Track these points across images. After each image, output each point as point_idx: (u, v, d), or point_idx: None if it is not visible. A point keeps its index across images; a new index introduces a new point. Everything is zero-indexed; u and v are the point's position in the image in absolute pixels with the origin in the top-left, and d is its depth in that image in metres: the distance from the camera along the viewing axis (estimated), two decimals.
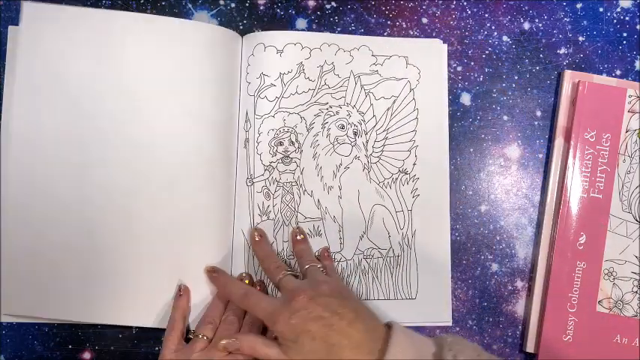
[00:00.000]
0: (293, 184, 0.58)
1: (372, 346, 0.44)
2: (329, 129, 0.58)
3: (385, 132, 0.59)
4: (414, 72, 0.59)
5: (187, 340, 0.53)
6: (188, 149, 0.56)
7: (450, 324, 0.57)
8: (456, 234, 0.59)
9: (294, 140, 0.58)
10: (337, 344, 0.44)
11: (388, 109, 0.59)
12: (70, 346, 0.56)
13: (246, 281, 0.56)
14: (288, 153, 0.58)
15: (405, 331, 0.46)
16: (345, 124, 0.58)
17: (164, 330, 0.54)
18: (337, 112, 0.58)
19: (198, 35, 0.56)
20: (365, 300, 0.57)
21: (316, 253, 0.57)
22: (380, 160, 0.58)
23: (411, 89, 0.59)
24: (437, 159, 0.59)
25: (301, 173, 0.58)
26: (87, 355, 0.56)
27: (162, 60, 0.56)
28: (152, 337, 0.56)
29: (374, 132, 0.59)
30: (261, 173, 0.57)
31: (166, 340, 0.52)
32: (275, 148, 0.58)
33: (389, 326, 0.47)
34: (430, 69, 0.59)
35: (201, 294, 0.55)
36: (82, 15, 0.55)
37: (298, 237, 0.56)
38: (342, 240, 0.57)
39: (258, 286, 0.56)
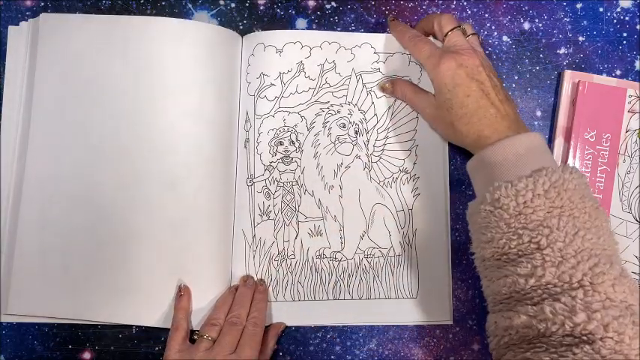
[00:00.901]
0: (293, 183, 0.58)
1: (506, 130, 0.48)
2: (330, 128, 0.58)
3: (386, 131, 0.59)
4: (416, 70, 0.59)
5: (192, 340, 0.54)
6: (188, 149, 0.56)
7: (451, 322, 0.57)
8: (456, 234, 0.59)
9: (294, 140, 0.58)
10: (484, 109, 0.49)
11: (389, 108, 0.59)
12: (70, 346, 0.56)
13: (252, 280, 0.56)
14: (289, 153, 0.58)
15: (541, 144, 0.47)
16: (346, 123, 0.58)
17: (165, 330, 0.55)
18: (338, 111, 0.58)
19: (198, 35, 0.56)
20: (366, 299, 0.57)
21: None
22: (381, 160, 0.58)
23: None
24: (437, 158, 0.59)
25: (302, 173, 0.58)
26: (87, 355, 0.56)
27: (163, 61, 0.56)
28: (152, 337, 0.56)
29: (375, 131, 0.58)
30: (261, 173, 0.57)
31: (170, 340, 0.52)
32: (275, 147, 0.58)
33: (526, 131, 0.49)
34: None
35: (203, 294, 0.55)
36: (87, 22, 0.56)
37: None
38: (342, 239, 0.57)
39: (260, 285, 0.56)
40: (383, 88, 0.58)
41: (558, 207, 0.43)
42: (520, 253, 0.43)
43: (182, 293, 0.54)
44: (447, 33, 0.53)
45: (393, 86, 0.57)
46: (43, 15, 0.56)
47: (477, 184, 0.50)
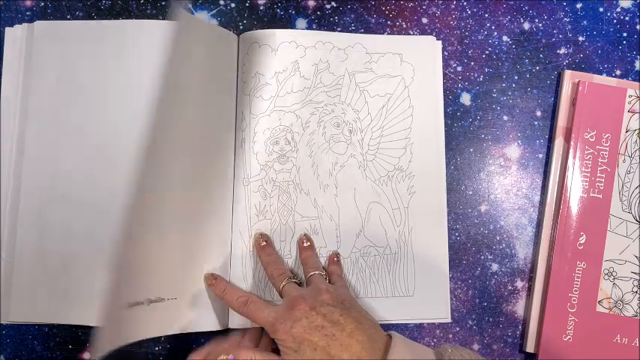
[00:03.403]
0: (289, 183, 0.58)
1: (372, 357, 0.45)
2: (325, 127, 0.58)
3: (380, 129, 0.59)
4: (409, 69, 0.59)
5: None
6: (185, 151, 0.56)
7: (449, 320, 0.57)
8: (456, 234, 0.59)
9: (290, 139, 0.58)
10: (337, 355, 0.45)
11: (383, 107, 0.59)
12: (70, 346, 0.56)
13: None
14: (284, 152, 0.58)
15: (405, 341, 0.46)
16: (340, 122, 0.58)
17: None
18: (332, 111, 0.58)
19: (193, 36, 0.56)
20: (362, 298, 0.57)
21: (328, 253, 0.57)
22: (375, 158, 0.58)
23: (406, 86, 0.59)
24: (433, 156, 0.59)
25: (297, 172, 0.58)
26: (87, 355, 0.56)
27: (158, 62, 0.56)
28: (152, 337, 0.56)
29: (369, 130, 0.59)
30: (257, 173, 0.57)
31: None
32: (271, 147, 0.58)
33: (390, 336, 0.47)
34: (424, 66, 0.59)
35: (202, 294, 0.55)
36: (84, 28, 0.57)
37: (305, 244, 0.56)
38: (338, 238, 0.57)
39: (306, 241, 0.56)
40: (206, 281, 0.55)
41: None
42: None
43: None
44: (281, 289, 0.52)
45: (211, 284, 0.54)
46: (37, 23, 0.57)
47: None
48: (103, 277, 0.54)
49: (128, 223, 0.55)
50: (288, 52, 0.58)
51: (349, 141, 0.58)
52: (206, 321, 0.55)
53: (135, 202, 0.55)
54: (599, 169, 0.58)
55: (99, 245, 0.55)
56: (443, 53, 0.60)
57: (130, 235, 0.53)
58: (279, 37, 0.58)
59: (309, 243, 0.56)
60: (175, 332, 0.54)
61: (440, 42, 0.60)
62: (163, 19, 0.59)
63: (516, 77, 0.60)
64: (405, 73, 0.59)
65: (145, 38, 0.56)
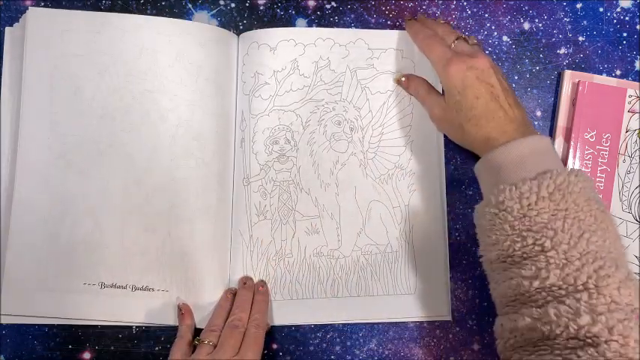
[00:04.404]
0: (290, 182, 0.57)
1: (513, 133, 0.48)
2: (325, 125, 0.58)
3: (381, 127, 0.58)
4: (409, 65, 0.59)
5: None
6: (185, 151, 0.56)
7: (449, 318, 0.57)
8: (456, 234, 0.59)
9: (289, 138, 0.58)
10: (493, 111, 0.49)
11: (384, 104, 0.58)
12: (70, 346, 0.56)
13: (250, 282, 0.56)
14: (284, 151, 0.58)
15: (546, 146, 0.47)
16: (341, 120, 0.58)
17: (165, 329, 0.55)
18: (333, 109, 0.58)
19: (193, 36, 0.56)
20: (364, 296, 0.57)
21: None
22: (376, 156, 0.58)
23: None
24: (433, 154, 0.58)
25: (298, 171, 0.58)
26: (87, 355, 0.56)
27: (158, 61, 0.56)
28: (152, 337, 0.56)
29: (370, 127, 0.58)
30: (257, 173, 0.57)
31: (174, 346, 0.52)
32: (271, 146, 0.58)
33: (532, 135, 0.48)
34: (426, 62, 0.58)
35: (202, 294, 0.55)
36: (82, 18, 0.56)
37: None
38: (339, 237, 0.57)
39: (261, 286, 0.56)
40: (398, 81, 0.58)
41: (563, 209, 0.43)
42: (524, 255, 0.43)
43: (183, 312, 0.54)
44: (454, 41, 0.53)
45: (407, 82, 0.58)
46: (31, 9, 0.55)
47: (483, 186, 0.50)
48: (94, 271, 0.55)
49: (123, 222, 0.55)
50: (287, 50, 0.58)
51: (350, 139, 0.58)
52: (198, 318, 0.55)
53: (130, 201, 0.56)
54: (599, 169, 0.58)
55: (95, 243, 0.55)
56: None
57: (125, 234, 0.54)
58: (277, 35, 0.58)
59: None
60: (165, 324, 0.55)
61: None
62: None
63: (516, 77, 0.60)
64: (406, 69, 0.59)
65: (144, 35, 0.56)
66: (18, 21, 0.57)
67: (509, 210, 0.44)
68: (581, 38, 0.61)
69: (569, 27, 0.61)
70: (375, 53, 0.59)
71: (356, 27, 0.60)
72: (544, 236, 0.42)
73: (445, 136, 0.58)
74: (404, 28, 0.59)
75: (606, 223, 0.44)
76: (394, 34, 0.59)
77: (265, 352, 0.56)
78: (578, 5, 0.61)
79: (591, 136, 0.58)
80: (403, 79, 0.58)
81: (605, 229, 0.43)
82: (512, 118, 0.49)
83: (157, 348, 0.56)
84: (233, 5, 0.60)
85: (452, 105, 0.51)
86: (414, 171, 0.58)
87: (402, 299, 0.57)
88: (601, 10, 0.61)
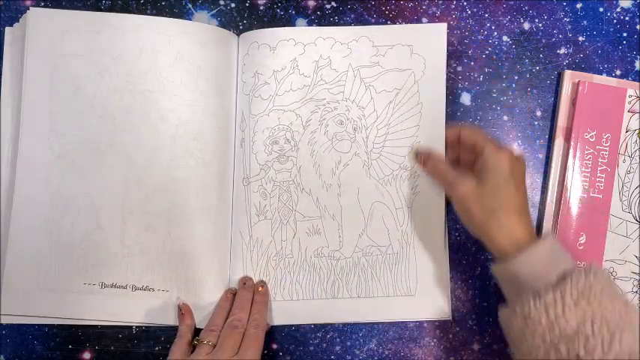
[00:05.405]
0: (290, 182, 0.57)
1: (528, 236, 0.48)
2: (327, 125, 0.57)
3: (386, 127, 0.57)
4: (420, 62, 0.58)
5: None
6: (185, 151, 0.56)
7: (450, 318, 0.57)
8: (456, 234, 0.59)
9: (289, 138, 0.57)
10: (525, 211, 0.50)
11: (390, 103, 0.57)
12: (70, 346, 0.56)
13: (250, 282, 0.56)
14: (284, 151, 0.57)
15: (556, 244, 0.48)
16: (344, 120, 0.58)
17: (165, 329, 0.55)
18: (335, 108, 0.57)
19: (193, 36, 0.56)
20: (364, 297, 0.57)
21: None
22: (380, 157, 0.58)
23: (416, 81, 0.57)
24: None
25: (298, 171, 0.57)
26: (87, 355, 0.56)
27: (158, 61, 0.56)
28: (152, 337, 0.56)
29: (374, 127, 0.57)
30: (257, 173, 0.57)
31: (174, 346, 0.53)
32: (270, 147, 0.57)
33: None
34: (436, 58, 0.57)
35: (202, 294, 0.55)
36: (82, 18, 0.56)
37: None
38: (341, 238, 0.57)
39: (261, 287, 0.56)
40: (415, 157, 0.57)
41: (590, 313, 0.43)
42: None
43: (183, 312, 0.55)
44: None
45: (424, 159, 0.56)
46: (31, 9, 0.55)
47: (504, 288, 0.50)
48: (95, 271, 0.55)
49: (123, 222, 0.55)
50: (287, 50, 0.58)
51: (353, 139, 0.58)
52: (198, 318, 0.55)
53: (130, 201, 0.56)
54: (599, 169, 0.58)
55: (95, 243, 0.55)
56: None
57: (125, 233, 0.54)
58: (277, 35, 0.58)
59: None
60: (165, 324, 0.55)
61: (445, 25, 0.59)
62: None
63: (516, 77, 0.60)
64: (416, 66, 0.57)
65: (144, 35, 0.56)
66: (18, 21, 0.57)
67: (536, 320, 0.44)
68: (581, 38, 0.61)
69: (569, 27, 0.61)
70: (381, 50, 0.58)
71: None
72: (578, 344, 0.42)
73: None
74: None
75: (630, 315, 0.44)
76: (402, 28, 0.58)
77: (265, 352, 0.56)
78: (578, 5, 0.61)
79: (591, 136, 0.58)
80: (419, 156, 0.57)
81: (631, 322, 0.43)
82: (528, 222, 0.49)
83: (157, 348, 0.56)
84: (233, 5, 0.60)
85: (490, 187, 0.49)
86: (418, 172, 0.57)
87: (402, 300, 0.57)
88: (601, 10, 0.61)
